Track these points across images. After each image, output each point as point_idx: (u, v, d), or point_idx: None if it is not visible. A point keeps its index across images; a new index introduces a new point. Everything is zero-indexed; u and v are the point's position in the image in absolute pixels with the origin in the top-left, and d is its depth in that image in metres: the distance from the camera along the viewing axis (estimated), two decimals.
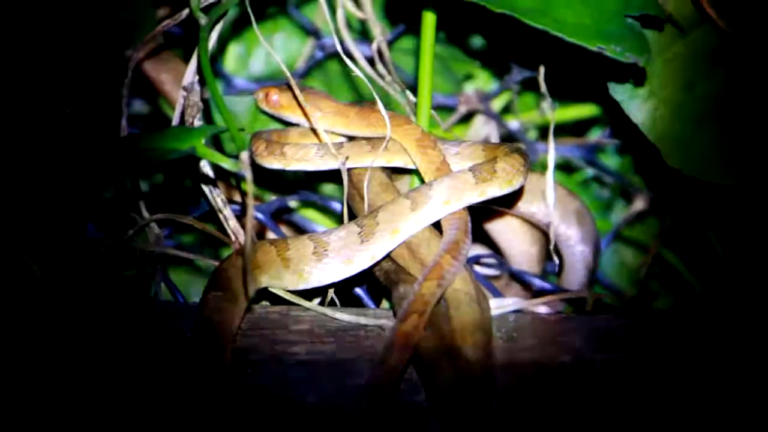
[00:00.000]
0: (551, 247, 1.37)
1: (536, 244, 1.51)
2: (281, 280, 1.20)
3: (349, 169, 1.29)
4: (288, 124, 1.37)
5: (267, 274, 1.18)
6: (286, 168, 1.28)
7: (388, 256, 1.22)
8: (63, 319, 1.17)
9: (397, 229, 1.20)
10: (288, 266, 1.19)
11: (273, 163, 1.28)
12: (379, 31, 1.47)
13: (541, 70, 1.47)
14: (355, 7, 1.50)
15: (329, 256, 1.19)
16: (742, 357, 1.16)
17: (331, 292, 1.26)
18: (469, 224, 1.20)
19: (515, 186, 1.23)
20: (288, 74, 1.29)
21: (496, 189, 1.22)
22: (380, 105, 1.27)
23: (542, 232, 1.48)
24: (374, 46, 1.46)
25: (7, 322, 1.15)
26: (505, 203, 1.40)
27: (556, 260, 1.39)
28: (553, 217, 1.39)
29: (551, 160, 1.36)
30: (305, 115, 1.33)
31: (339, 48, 1.32)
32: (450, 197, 1.20)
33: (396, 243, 1.21)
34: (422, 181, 1.27)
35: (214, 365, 1.06)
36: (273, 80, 1.43)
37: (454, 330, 1.09)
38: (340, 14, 1.45)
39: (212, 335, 1.08)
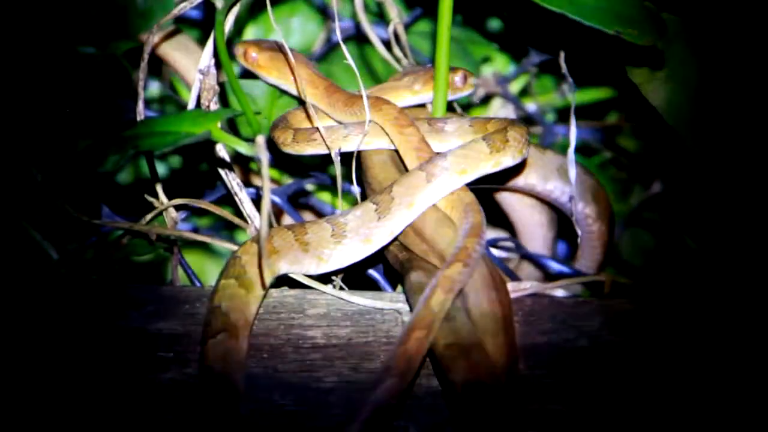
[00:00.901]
0: (576, 223, 1.37)
1: (548, 222, 1.50)
2: (301, 264, 1.19)
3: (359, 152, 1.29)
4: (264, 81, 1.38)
5: (285, 259, 1.18)
6: (301, 153, 1.28)
7: (396, 241, 1.22)
8: (79, 302, 1.17)
9: (413, 202, 1.19)
10: (307, 250, 1.19)
11: (292, 149, 1.29)
12: (395, 13, 1.46)
13: (562, 54, 1.46)
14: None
15: (348, 236, 1.19)
16: (755, 341, 1.16)
17: (338, 280, 1.26)
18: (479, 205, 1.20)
19: (525, 155, 1.23)
20: (282, 39, 1.29)
21: (509, 158, 1.21)
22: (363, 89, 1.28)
23: (555, 210, 1.47)
24: (390, 28, 1.45)
25: (24, 306, 1.16)
26: (503, 179, 1.40)
27: (579, 232, 1.39)
28: (570, 196, 1.38)
29: (572, 137, 1.35)
30: (282, 77, 1.35)
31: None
32: (466, 167, 1.19)
33: (413, 216, 1.20)
34: (402, 162, 1.26)
35: (227, 355, 1.06)
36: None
37: (475, 325, 1.09)
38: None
39: (223, 323, 1.08)
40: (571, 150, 1.35)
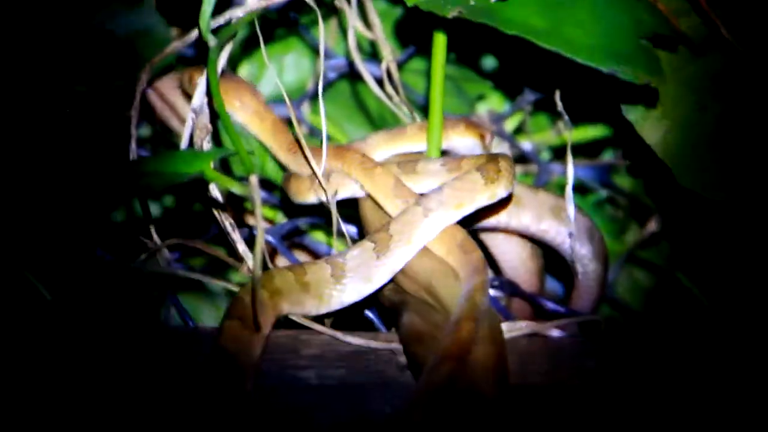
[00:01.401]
0: (573, 263, 1.37)
1: (536, 261, 1.49)
2: (303, 305, 1.18)
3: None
4: None
5: (287, 300, 1.17)
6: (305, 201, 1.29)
7: (390, 283, 1.21)
8: (73, 343, 1.16)
9: (411, 239, 1.18)
10: (308, 291, 1.18)
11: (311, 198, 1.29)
12: (388, 51, 1.46)
13: (557, 92, 1.45)
14: (366, 28, 1.50)
15: (348, 276, 1.18)
16: (752, 382, 1.15)
17: (330, 319, 1.25)
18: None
19: (513, 187, 1.23)
20: (275, 77, 1.30)
21: (503, 189, 1.21)
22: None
23: (543, 248, 1.47)
24: (383, 66, 1.45)
25: (17, 346, 1.14)
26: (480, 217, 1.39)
27: (576, 272, 1.38)
28: (569, 234, 1.38)
29: (570, 175, 1.35)
30: (228, 105, 1.34)
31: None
32: (462, 200, 1.19)
33: (413, 252, 1.19)
34: (379, 206, 1.26)
35: (233, 396, 1.04)
36: (282, 102, 1.41)
37: (473, 368, 1.08)
38: (350, 35, 1.44)
39: (230, 365, 1.06)
40: (568, 188, 1.34)
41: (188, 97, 1.37)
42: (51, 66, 1.31)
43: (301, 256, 1.53)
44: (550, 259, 1.50)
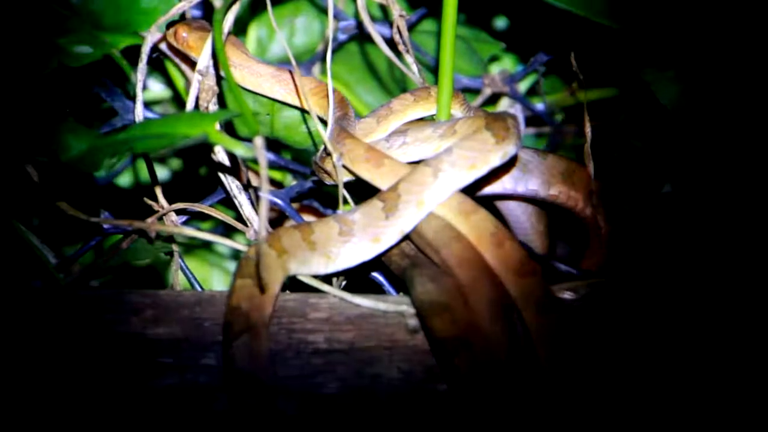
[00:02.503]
0: (587, 225, 1.36)
1: (544, 221, 1.48)
2: (309, 264, 1.17)
3: None
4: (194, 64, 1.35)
5: (295, 259, 1.15)
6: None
7: (396, 248, 1.20)
8: (77, 307, 1.15)
9: (422, 200, 1.16)
10: (315, 249, 1.16)
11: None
12: (397, 10, 1.45)
13: (572, 54, 1.43)
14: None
15: (356, 235, 1.17)
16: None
17: (341, 281, 1.24)
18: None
19: (521, 145, 1.22)
20: (284, 41, 1.30)
21: (513, 147, 1.18)
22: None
23: (552, 212, 1.45)
24: (394, 26, 1.44)
25: (21, 311, 1.14)
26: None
27: (588, 232, 1.38)
28: (582, 197, 1.36)
29: (588, 135, 1.35)
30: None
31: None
32: (475, 162, 1.16)
33: (423, 214, 1.17)
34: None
35: (252, 355, 1.04)
36: (289, 64, 1.40)
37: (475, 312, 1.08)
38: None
39: (244, 324, 1.07)
40: (587, 147, 1.33)
41: (175, 52, 1.37)
42: (48, 23, 1.29)
43: (312, 219, 1.52)
44: (559, 221, 1.49)
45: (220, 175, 1.27)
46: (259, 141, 0.97)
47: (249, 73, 1.34)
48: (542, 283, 1.11)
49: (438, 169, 1.15)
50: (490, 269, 1.12)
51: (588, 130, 1.35)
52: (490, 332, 1.07)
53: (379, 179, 1.20)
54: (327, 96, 1.29)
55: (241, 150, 1.03)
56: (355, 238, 1.17)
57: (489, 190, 1.33)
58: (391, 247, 1.19)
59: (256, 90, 1.34)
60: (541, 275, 1.12)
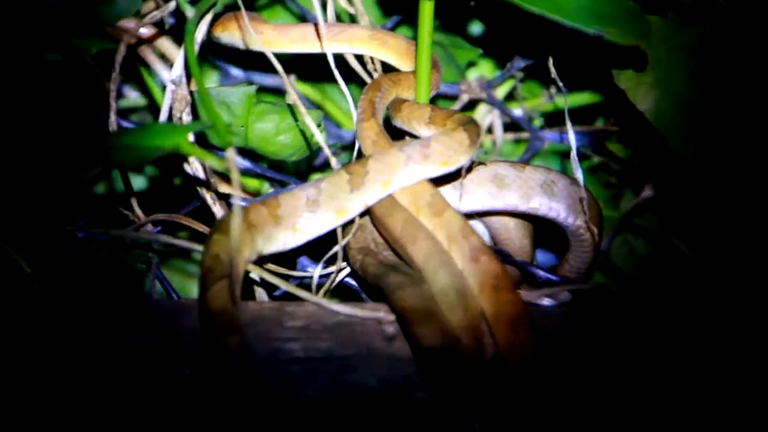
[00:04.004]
0: (567, 234, 1.36)
1: (525, 229, 1.48)
2: (277, 239, 1.19)
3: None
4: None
5: (261, 235, 1.17)
6: None
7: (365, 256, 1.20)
8: (54, 318, 1.14)
9: (389, 181, 1.19)
10: (280, 223, 1.18)
11: None
12: (366, 23, 1.45)
13: (550, 59, 1.43)
14: (347, 2, 1.48)
15: (321, 206, 1.18)
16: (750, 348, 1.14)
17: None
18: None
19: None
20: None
21: (474, 154, 1.21)
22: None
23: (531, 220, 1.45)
24: None
25: None
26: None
27: (570, 240, 1.38)
28: (562, 208, 1.36)
29: (572, 141, 1.35)
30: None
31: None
32: (448, 158, 1.18)
33: (385, 194, 1.20)
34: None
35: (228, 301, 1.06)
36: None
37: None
38: (330, 9, 1.42)
39: (223, 273, 1.09)
40: (573, 154, 1.34)
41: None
42: (18, 32, 1.29)
43: None
44: (539, 228, 1.48)
45: (195, 185, 1.27)
46: (230, 153, 0.97)
47: (278, 33, 1.38)
48: (517, 299, 1.11)
49: (410, 158, 1.17)
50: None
51: (572, 137, 1.34)
52: (471, 346, 1.07)
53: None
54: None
55: (214, 162, 1.03)
56: (321, 210, 1.19)
57: (471, 209, 1.33)
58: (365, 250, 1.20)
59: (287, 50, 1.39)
60: (516, 291, 1.12)
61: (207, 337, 1.05)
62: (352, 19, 1.54)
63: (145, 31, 1.45)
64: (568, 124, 1.35)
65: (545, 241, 1.62)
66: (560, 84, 1.40)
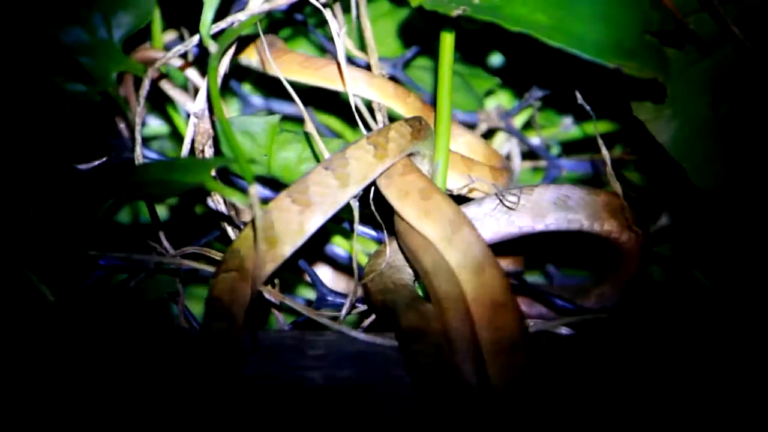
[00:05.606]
0: (609, 244, 1.37)
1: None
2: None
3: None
4: None
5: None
6: None
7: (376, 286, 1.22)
8: (77, 347, 1.16)
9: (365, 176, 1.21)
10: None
11: None
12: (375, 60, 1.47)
13: (577, 93, 1.43)
14: (358, 50, 1.50)
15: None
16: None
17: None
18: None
19: (405, 152, 1.25)
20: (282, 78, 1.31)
21: (389, 159, 1.23)
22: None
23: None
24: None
25: (19, 350, 1.14)
26: None
27: (610, 251, 1.39)
28: (582, 217, 1.35)
29: (607, 159, 1.36)
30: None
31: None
32: (366, 174, 1.21)
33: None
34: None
35: (232, 290, 1.09)
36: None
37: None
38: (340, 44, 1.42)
39: (238, 265, 1.11)
40: (609, 168, 1.35)
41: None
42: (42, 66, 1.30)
43: (319, 264, 1.54)
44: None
45: (218, 218, 1.28)
46: (253, 190, 0.98)
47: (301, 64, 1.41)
48: (515, 318, 1.11)
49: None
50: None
51: (605, 152, 1.35)
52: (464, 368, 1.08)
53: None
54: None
55: (237, 198, 1.04)
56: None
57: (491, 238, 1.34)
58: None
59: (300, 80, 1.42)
60: (516, 310, 1.12)
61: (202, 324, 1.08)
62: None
63: (170, 63, 1.46)
64: (600, 141, 1.35)
65: (555, 258, 1.63)
66: (588, 108, 1.39)
